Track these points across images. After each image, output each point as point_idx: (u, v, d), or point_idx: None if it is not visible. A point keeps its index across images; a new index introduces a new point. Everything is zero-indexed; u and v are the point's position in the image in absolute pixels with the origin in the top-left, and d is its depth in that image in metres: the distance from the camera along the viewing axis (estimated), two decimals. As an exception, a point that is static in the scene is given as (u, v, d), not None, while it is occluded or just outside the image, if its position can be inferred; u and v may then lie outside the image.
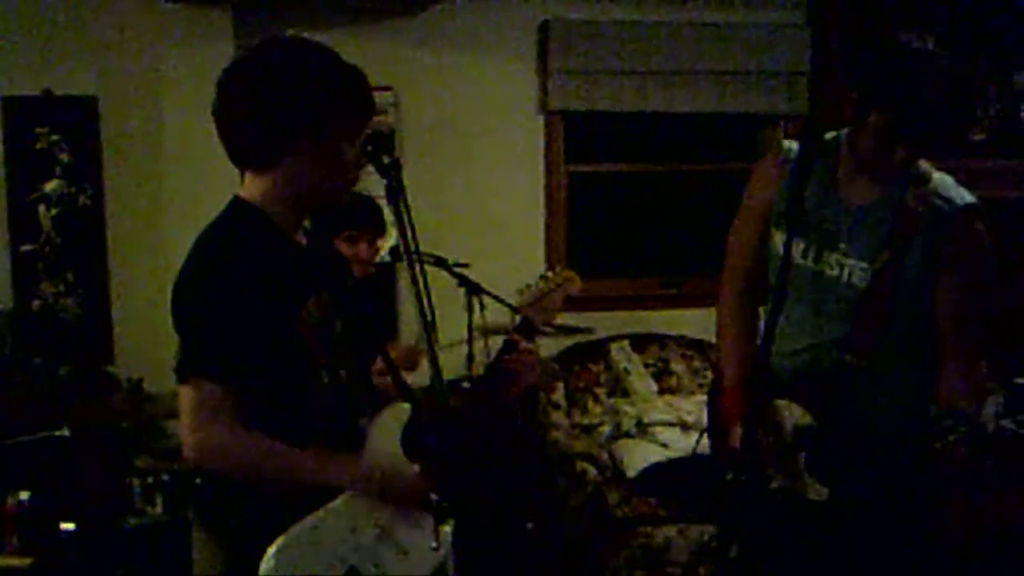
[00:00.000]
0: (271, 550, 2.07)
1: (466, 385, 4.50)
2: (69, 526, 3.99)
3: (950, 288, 2.62)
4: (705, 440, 3.04)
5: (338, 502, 2.19)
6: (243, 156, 2.21)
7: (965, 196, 2.64)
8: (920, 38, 2.56)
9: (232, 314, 2.07)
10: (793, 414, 2.71)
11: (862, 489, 2.65)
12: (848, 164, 2.69)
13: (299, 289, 2.20)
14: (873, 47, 2.64)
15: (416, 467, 2.28)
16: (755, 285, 2.93)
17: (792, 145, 2.80)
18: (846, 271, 2.68)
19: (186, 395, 2.09)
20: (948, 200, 2.61)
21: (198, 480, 4.01)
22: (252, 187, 2.22)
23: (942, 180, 2.66)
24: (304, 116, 2.14)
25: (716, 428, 2.98)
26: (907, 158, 2.57)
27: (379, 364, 2.54)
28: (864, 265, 2.65)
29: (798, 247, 2.71)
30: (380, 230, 3.70)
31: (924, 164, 2.66)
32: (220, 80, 2.19)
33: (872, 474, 2.64)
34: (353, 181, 2.28)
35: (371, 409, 2.33)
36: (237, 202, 2.23)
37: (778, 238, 2.78)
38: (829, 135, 2.76)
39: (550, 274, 2.73)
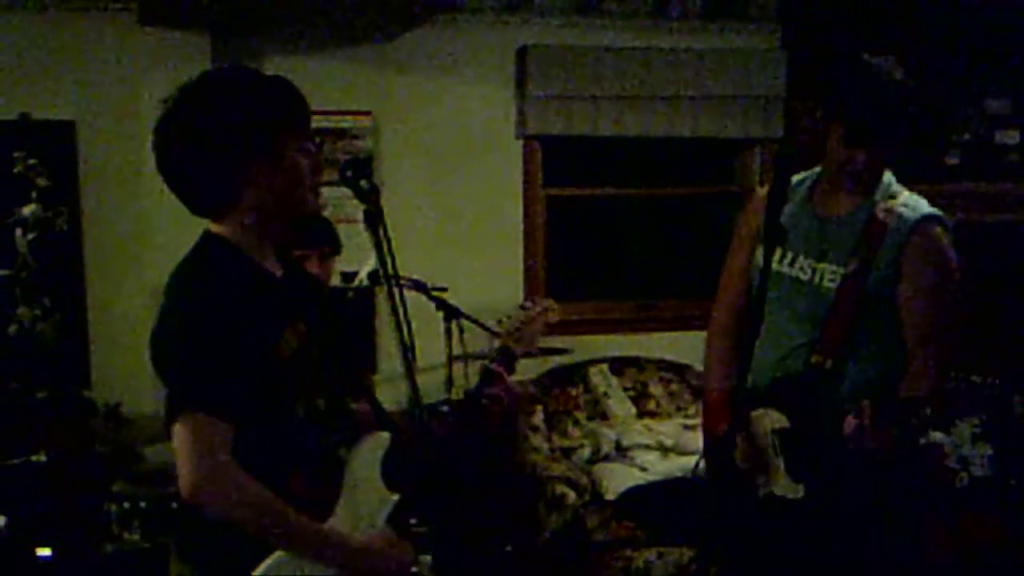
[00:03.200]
0: (257, 572, 2.06)
1: (445, 409, 4.50)
2: (46, 552, 3.96)
3: (912, 292, 2.76)
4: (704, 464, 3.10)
5: (328, 524, 2.20)
6: (206, 209, 2.20)
7: (929, 208, 2.79)
8: (883, 59, 2.74)
9: (217, 347, 2.04)
10: (771, 419, 2.82)
11: (832, 483, 2.75)
12: (824, 184, 2.87)
13: (276, 319, 2.18)
14: (836, 66, 2.83)
15: (408, 544, 2.26)
16: (743, 318, 3.04)
17: None
18: (818, 275, 2.83)
19: (181, 432, 2.03)
20: (912, 209, 2.79)
21: (175, 505, 3.99)
22: (219, 223, 2.21)
23: (911, 196, 2.84)
24: (245, 148, 2.12)
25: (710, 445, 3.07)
26: (868, 162, 2.73)
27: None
28: (835, 268, 2.79)
29: (776, 256, 2.84)
30: (329, 247, 3.72)
31: (896, 184, 2.84)
32: (154, 144, 2.17)
33: (840, 468, 2.74)
34: (315, 187, 2.24)
35: (350, 438, 2.32)
36: (208, 237, 2.21)
37: (759, 253, 2.85)
38: (805, 173, 2.96)
39: (529, 303, 2.74)
